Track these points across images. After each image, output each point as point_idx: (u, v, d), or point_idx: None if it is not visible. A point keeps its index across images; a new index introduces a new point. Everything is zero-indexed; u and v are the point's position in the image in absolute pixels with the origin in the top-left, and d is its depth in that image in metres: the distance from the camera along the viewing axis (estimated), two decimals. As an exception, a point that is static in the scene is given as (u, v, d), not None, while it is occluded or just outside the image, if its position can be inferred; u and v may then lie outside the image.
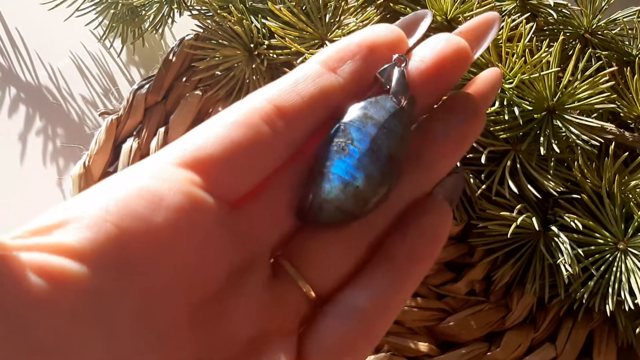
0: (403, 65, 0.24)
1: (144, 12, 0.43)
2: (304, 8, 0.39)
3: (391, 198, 0.24)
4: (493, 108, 0.36)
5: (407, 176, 0.25)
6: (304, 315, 0.24)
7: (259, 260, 0.24)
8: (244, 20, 0.38)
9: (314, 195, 0.23)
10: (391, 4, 0.40)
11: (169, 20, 0.43)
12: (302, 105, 0.24)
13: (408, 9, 0.39)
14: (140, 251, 0.21)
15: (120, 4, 0.43)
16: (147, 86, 0.42)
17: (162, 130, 0.41)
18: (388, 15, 0.41)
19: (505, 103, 0.36)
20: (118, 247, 0.21)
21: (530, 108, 0.35)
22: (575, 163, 0.36)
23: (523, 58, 0.35)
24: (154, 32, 0.43)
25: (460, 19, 0.38)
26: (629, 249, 0.34)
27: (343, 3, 0.41)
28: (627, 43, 0.41)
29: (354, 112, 0.24)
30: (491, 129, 0.36)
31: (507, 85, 0.35)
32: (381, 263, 0.24)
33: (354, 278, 0.24)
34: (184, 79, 0.43)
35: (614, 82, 0.36)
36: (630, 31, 0.41)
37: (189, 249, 0.22)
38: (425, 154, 0.25)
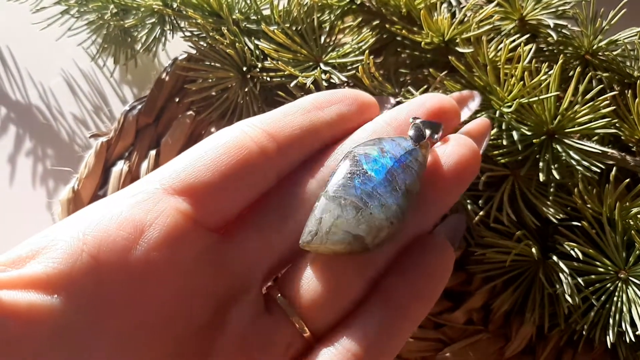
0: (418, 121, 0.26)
1: (136, 33, 0.42)
2: (298, 29, 0.38)
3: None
4: (492, 132, 0.35)
5: (409, 215, 0.24)
6: (295, 352, 0.23)
7: (249, 292, 0.23)
8: (237, 43, 0.37)
9: (323, 220, 0.22)
10: (387, 26, 0.39)
11: (162, 42, 0.42)
12: (292, 133, 0.24)
13: (404, 30, 0.38)
14: (116, 286, 0.20)
15: (112, 25, 0.42)
16: (138, 107, 0.41)
17: (153, 152, 0.40)
18: (385, 36, 0.40)
19: (503, 127, 0.35)
20: (94, 280, 0.20)
21: (529, 133, 0.34)
22: (576, 189, 0.35)
23: (522, 82, 0.34)
24: (147, 53, 0.42)
25: (457, 40, 0.37)
26: (631, 278, 0.33)
27: (339, 23, 0.40)
28: (628, 64, 0.40)
29: (368, 145, 0.24)
30: (489, 153, 0.35)
31: (505, 109, 0.35)
32: (380, 302, 0.23)
33: (352, 317, 0.23)
34: (177, 100, 0.42)
35: (614, 107, 0.35)
36: (631, 52, 0.40)
37: (169, 284, 0.21)
38: (426, 190, 0.25)
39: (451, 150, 0.25)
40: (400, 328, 0.23)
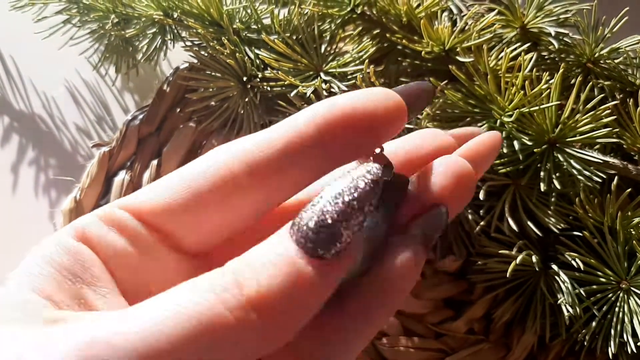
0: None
1: (137, 42, 0.42)
2: (299, 38, 0.38)
3: None
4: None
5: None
6: None
7: None
8: (237, 53, 0.37)
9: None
10: (387, 35, 0.39)
11: (163, 51, 0.42)
12: (269, 167, 0.22)
13: (405, 39, 0.38)
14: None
15: (113, 35, 0.42)
16: (140, 117, 0.41)
17: (154, 162, 0.40)
18: (385, 45, 0.40)
19: (504, 136, 0.35)
20: None
21: (530, 143, 0.34)
22: (577, 199, 0.35)
23: (522, 91, 0.34)
24: (148, 62, 0.42)
25: (458, 49, 0.37)
26: (632, 288, 0.33)
27: (340, 32, 0.40)
28: (630, 72, 0.40)
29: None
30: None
31: (506, 119, 0.34)
32: (334, 309, 0.22)
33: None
34: (178, 109, 0.42)
35: (615, 117, 0.35)
36: (633, 60, 0.40)
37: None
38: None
39: (430, 183, 0.22)
40: (356, 338, 0.22)
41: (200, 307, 0.17)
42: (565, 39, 0.40)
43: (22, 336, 0.17)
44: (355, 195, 0.20)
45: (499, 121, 0.35)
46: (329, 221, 0.19)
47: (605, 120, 0.34)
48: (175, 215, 0.22)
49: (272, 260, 0.18)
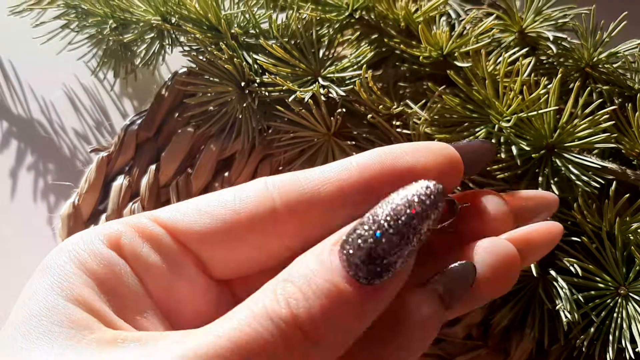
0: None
1: (135, 47, 0.42)
2: (297, 43, 0.38)
3: None
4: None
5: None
6: None
7: None
8: (235, 58, 0.37)
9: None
10: (385, 40, 0.39)
11: (161, 55, 0.42)
12: (320, 212, 0.21)
13: (403, 44, 0.38)
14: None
15: (111, 40, 0.42)
16: (138, 122, 0.41)
17: (153, 167, 0.40)
18: (384, 49, 0.40)
19: (502, 141, 0.35)
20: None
21: (528, 148, 0.34)
22: (575, 204, 0.35)
23: (520, 97, 0.34)
24: (147, 67, 0.42)
25: (456, 53, 0.37)
26: (630, 294, 0.33)
27: (338, 36, 0.40)
28: (629, 76, 0.39)
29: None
30: (488, 168, 0.35)
31: (504, 124, 0.34)
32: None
33: None
34: (176, 114, 0.42)
35: (614, 122, 0.35)
36: (632, 64, 0.39)
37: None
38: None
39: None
40: None
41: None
42: (563, 43, 0.40)
43: None
44: (413, 212, 0.19)
45: (496, 126, 0.35)
46: (381, 253, 0.18)
47: (603, 125, 0.34)
48: (211, 243, 0.21)
49: (320, 288, 0.18)
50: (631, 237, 0.34)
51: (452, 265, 0.21)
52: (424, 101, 0.37)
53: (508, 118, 0.35)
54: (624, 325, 0.33)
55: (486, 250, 0.21)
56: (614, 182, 0.36)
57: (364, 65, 0.36)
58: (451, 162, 0.21)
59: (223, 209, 0.21)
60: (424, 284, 0.21)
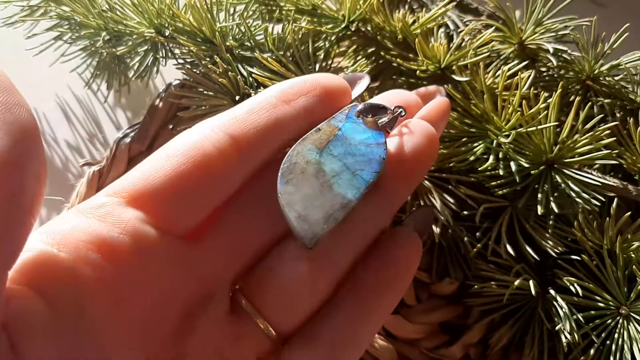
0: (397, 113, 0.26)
1: (129, 59, 0.42)
2: (293, 55, 0.38)
3: (355, 230, 0.24)
4: (488, 163, 0.34)
5: (369, 207, 0.24)
6: (266, 349, 0.23)
7: (217, 296, 0.23)
8: (230, 71, 0.36)
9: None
10: (382, 53, 0.38)
11: (155, 67, 0.41)
12: (257, 134, 0.24)
13: (400, 58, 0.38)
14: (93, 300, 0.20)
15: (105, 52, 0.42)
16: (131, 135, 0.41)
17: (145, 182, 0.39)
18: (381, 61, 0.40)
19: (500, 156, 0.35)
20: (73, 294, 0.20)
21: (527, 165, 0.34)
22: (576, 221, 0.34)
23: (519, 112, 0.33)
24: (140, 79, 0.41)
25: (454, 67, 0.36)
26: (632, 314, 0.32)
27: (335, 48, 0.40)
28: (630, 89, 0.39)
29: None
30: (486, 184, 0.35)
31: (503, 139, 0.34)
32: (349, 294, 0.24)
33: (320, 314, 0.24)
34: (170, 127, 0.41)
35: (615, 138, 0.34)
36: (634, 77, 0.39)
37: (142, 293, 0.22)
38: (383, 185, 0.25)
39: (408, 140, 0.25)
40: (367, 321, 0.24)
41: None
42: (564, 55, 0.39)
43: None
44: None
45: (495, 142, 0.34)
46: None
47: (605, 141, 0.33)
48: (161, 198, 0.22)
49: None
50: (633, 256, 0.33)
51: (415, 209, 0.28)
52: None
53: (507, 133, 0.34)
54: (625, 347, 0.32)
55: (413, 129, 0.26)
56: (615, 199, 0.35)
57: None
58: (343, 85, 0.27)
59: (168, 160, 0.23)
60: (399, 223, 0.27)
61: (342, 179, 0.23)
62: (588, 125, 0.34)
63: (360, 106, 0.26)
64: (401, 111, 0.26)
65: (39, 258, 0.20)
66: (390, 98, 0.28)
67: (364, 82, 0.28)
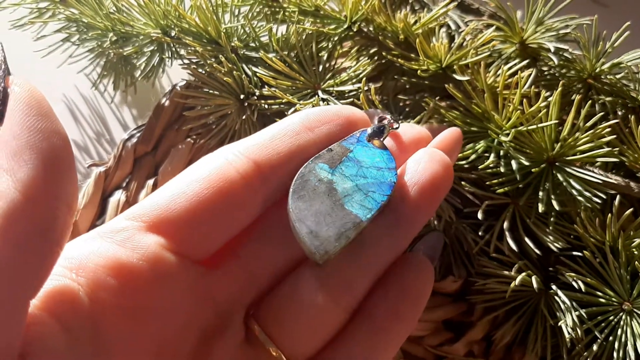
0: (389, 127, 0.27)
1: (135, 60, 0.42)
2: (297, 56, 0.38)
3: (372, 258, 0.24)
4: (489, 161, 0.34)
5: (385, 237, 0.24)
6: None
7: (233, 322, 0.23)
8: (235, 71, 0.37)
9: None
10: (384, 53, 0.39)
11: (161, 67, 0.42)
12: (279, 161, 0.24)
13: (401, 58, 0.38)
14: (111, 327, 0.20)
15: (112, 53, 0.42)
16: (137, 136, 0.41)
17: (151, 182, 0.40)
18: (383, 61, 0.40)
19: (501, 154, 0.35)
20: (91, 322, 0.20)
21: (527, 164, 0.34)
22: (578, 218, 0.34)
23: (519, 111, 0.34)
24: (146, 80, 0.42)
25: (455, 66, 0.37)
26: (635, 310, 0.33)
27: (338, 48, 0.40)
28: (632, 87, 0.39)
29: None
30: (487, 182, 0.35)
31: (503, 138, 0.34)
32: (362, 323, 0.24)
33: (335, 342, 0.24)
34: (175, 127, 0.42)
35: (616, 136, 0.34)
36: (635, 75, 0.39)
37: (159, 320, 0.21)
38: (399, 209, 0.25)
39: (424, 167, 0.25)
40: (383, 349, 0.24)
41: None
42: (565, 54, 0.39)
43: None
44: None
45: (496, 140, 0.35)
46: None
47: (606, 139, 0.33)
48: (182, 224, 0.22)
49: None
50: (635, 252, 0.33)
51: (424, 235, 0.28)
52: (422, 114, 0.36)
53: (507, 132, 0.34)
54: (629, 343, 0.32)
55: (427, 157, 0.26)
56: (618, 196, 0.35)
57: (364, 79, 0.36)
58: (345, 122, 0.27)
59: (187, 187, 0.23)
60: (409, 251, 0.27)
61: (354, 199, 0.23)
62: (589, 123, 0.34)
63: (369, 130, 0.26)
64: (392, 122, 0.27)
65: (57, 283, 0.19)
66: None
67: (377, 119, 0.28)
